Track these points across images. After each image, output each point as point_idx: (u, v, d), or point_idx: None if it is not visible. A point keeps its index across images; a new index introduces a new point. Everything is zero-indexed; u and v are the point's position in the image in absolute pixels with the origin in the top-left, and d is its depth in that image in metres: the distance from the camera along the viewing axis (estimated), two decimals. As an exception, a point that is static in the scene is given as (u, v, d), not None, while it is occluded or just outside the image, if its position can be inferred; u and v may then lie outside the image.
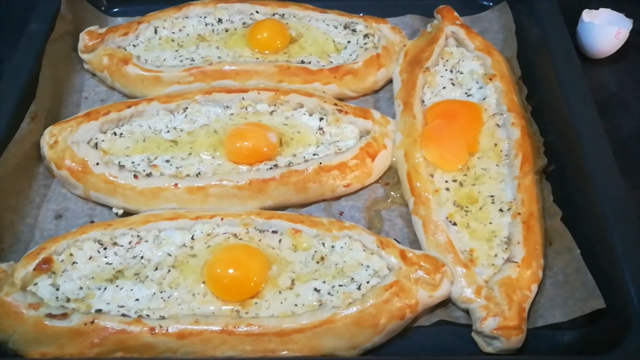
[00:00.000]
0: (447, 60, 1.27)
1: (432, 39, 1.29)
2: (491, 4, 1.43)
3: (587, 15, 1.35)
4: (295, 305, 0.93)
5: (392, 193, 1.13)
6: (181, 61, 1.28)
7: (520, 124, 1.14)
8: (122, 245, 0.99)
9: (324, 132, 1.16)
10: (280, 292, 0.94)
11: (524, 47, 1.29)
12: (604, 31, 1.33)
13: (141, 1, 1.39)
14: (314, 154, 1.13)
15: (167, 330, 0.89)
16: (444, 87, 1.23)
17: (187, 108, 1.18)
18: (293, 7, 1.36)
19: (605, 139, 1.05)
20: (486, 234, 1.02)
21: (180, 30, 1.34)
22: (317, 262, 0.98)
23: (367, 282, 0.95)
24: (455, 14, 1.34)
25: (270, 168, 1.10)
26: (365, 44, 1.31)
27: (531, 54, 1.27)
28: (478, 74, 1.24)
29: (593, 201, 0.99)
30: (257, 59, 1.28)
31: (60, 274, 0.96)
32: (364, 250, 0.99)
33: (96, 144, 1.13)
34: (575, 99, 1.11)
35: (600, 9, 1.37)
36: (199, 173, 1.09)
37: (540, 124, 1.17)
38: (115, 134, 1.15)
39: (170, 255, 0.98)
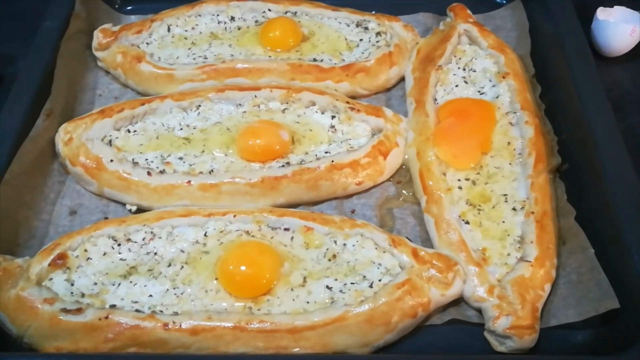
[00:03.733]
0: (459, 58, 1.27)
1: (444, 37, 1.28)
2: (504, 1, 1.43)
3: (602, 13, 1.34)
4: (307, 302, 0.93)
5: (404, 191, 1.13)
6: (194, 59, 1.28)
7: (534, 123, 1.13)
8: (135, 242, 1.00)
9: (336, 130, 1.17)
10: (292, 290, 0.95)
11: (538, 45, 1.28)
12: (618, 29, 1.32)
13: (154, -1, 1.40)
14: (326, 152, 1.13)
15: (180, 326, 0.89)
16: (456, 85, 1.23)
17: (200, 106, 1.19)
18: (305, 5, 1.36)
19: (620, 138, 1.04)
20: (499, 232, 1.02)
21: (193, 28, 1.34)
22: (329, 260, 0.98)
23: (379, 280, 0.95)
24: (468, 11, 1.33)
25: (283, 166, 1.10)
26: (377, 42, 1.31)
27: (545, 52, 1.26)
28: (491, 72, 1.23)
29: (607, 200, 0.98)
30: (270, 57, 1.29)
31: (75, 270, 0.97)
32: (376, 248, 0.99)
33: (110, 141, 1.14)
34: (589, 98, 1.10)
35: (615, 7, 1.36)
36: (212, 170, 1.10)
37: (554, 123, 1.17)
38: (129, 131, 1.16)
39: (183, 252, 0.99)
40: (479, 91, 1.22)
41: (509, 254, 1.00)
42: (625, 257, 0.92)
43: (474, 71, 1.24)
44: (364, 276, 0.96)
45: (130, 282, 0.95)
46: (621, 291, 0.91)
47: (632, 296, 0.89)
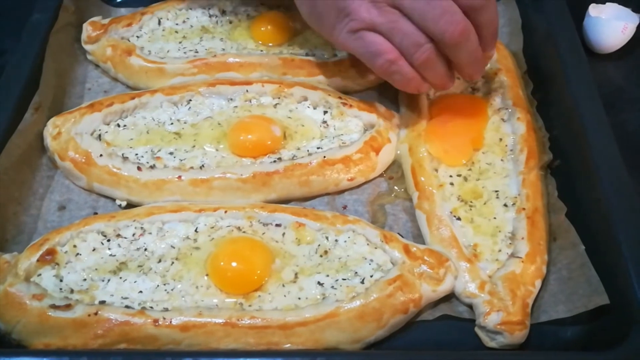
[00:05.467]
0: (452, 54, 1.26)
1: (437, 33, 1.28)
2: (497, -3, 1.42)
3: (594, 10, 1.35)
4: (299, 298, 0.93)
5: (396, 187, 1.13)
6: (185, 53, 1.27)
7: (526, 119, 1.14)
8: (125, 237, 0.99)
9: (328, 125, 1.16)
10: (283, 286, 0.94)
11: (530, 42, 1.28)
12: (610, 26, 1.32)
13: (145, -8, 1.39)
14: (318, 148, 1.13)
15: (170, 322, 0.89)
16: (449, 81, 1.22)
17: (190, 100, 1.18)
18: None
19: (611, 134, 1.04)
20: (490, 229, 1.02)
21: (184, 21, 1.33)
22: (321, 256, 0.98)
23: (371, 276, 0.95)
24: (461, 7, 1.33)
25: (274, 161, 1.10)
26: (370, 37, 1.30)
27: (537, 49, 1.26)
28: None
29: (598, 197, 0.98)
30: (261, 51, 1.28)
31: (63, 265, 0.96)
32: (368, 244, 0.99)
33: (100, 135, 1.13)
34: (581, 94, 1.10)
35: (607, 4, 1.36)
36: (203, 165, 1.09)
37: (546, 119, 1.17)
38: (118, 125, 1.15)
39: (174, 248, 0.98)
40: (471, 87, 1.22)
41: (500, 250, 1.00)
42: (616, 253, 0.92)
43: (467, 67, 1.24)
44: (356, 272, 0.96)
45: (120, 278, 0.95)
46: (611, 287, 0.91)
47: (622, 292, 0.90)
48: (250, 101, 1.18)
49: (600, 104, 1.08)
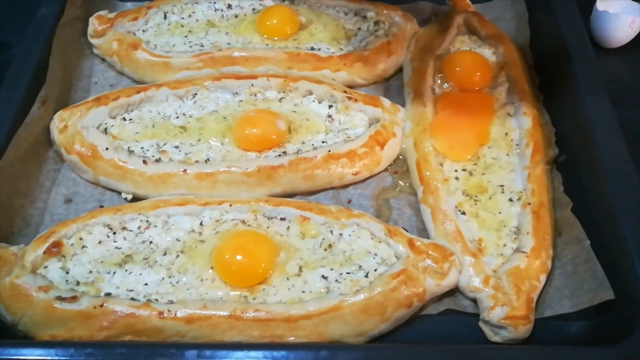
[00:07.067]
0: (458, 48, 1.26)
1: (443, 27, 1.28)
2: (504, -9, 1.41)
3: (602, 4, 1.34)
4: (303, 292, 0.93)
5: (401, 182, 1.13)
6: (190, 47, 1.28)
7: (532, 114, 1.13)
8: (131, 230, 1.00)
9: (333, 119, 1.16)
10: (288, 279, 0.95)
11: (537, 36, 1.28)
12: (618, 20, 1.31)
13: (150, -14, 1.39)
14: (323, 142, 1.13)
15: (175, 314, 0.89)
16: (454, 76, 1.22)
17: (196, 94, 1.18)
18: (303, -7, 1.35)
19: (618, 130, 1.04)
20: (495, 223, 1.02)
21: (189, 15, 1.33)
22: (325, 250, 0.98)
23: (375, 270, 0.95)
24: (468, 1, 1.33)
25: (279, 155, 1.10)
26: (375, 31, 1.30)
27: (544, 43, 1.25)
28: (490, 63, 1.22)
29: (604, 192, 0.98)
30: (267, 45, 1.28)
31: (70, 258, 0.96)
32: (372, 238, 0.99)
33: (105, 129, 1.13)
34: (588, 89, 1.10)
35: (615, -3, 1.35)
36: (208, 159, 1.09)
37: (552, 114, 1.16)
38: (124, 119, 1.15)
39: (179, 241, 0.99)
40: (477, 82, 1.21)
41: (504, 245, 1.00)
42: (621, 248, 0.92)
43: (473, 61, 1.23)
44: (360, 266, 0.96)
45: (126, 270, 0.95)
46: (616, 282, 0.91)
47: (627, 288, 0.90)
48: (256, 95, 1.18)
49: (607, 99, 1.08)
